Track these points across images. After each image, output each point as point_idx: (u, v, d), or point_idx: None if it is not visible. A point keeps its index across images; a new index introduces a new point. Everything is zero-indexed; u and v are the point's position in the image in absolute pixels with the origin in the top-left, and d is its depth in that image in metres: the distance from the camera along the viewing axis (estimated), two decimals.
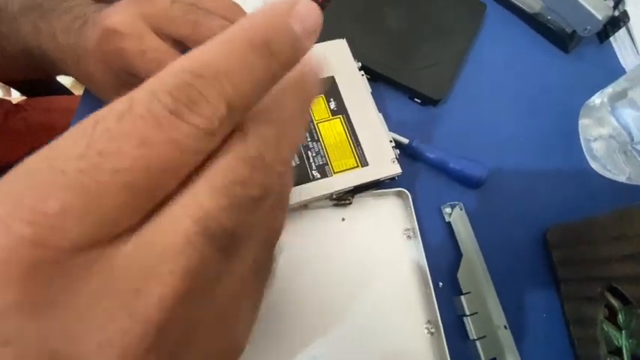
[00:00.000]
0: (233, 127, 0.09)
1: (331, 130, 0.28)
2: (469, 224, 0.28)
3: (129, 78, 0.23)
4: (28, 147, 0.42)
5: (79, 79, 0.26)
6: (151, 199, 0.08)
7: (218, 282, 0.09)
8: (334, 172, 0.27)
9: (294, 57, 0.09)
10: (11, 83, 0.56)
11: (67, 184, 0.07)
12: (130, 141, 0.08)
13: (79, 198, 0.07)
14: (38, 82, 0.51)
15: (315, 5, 0.09)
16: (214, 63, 0.08)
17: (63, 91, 0.56)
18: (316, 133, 0.28)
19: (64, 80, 0.57)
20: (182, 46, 0.23)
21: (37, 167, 0.07)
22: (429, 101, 0.33)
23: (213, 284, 0.09)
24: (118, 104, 0.08)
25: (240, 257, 0.10)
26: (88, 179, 0.07)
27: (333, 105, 0.29)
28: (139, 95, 0.08)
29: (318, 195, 0.26)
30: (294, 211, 0.27)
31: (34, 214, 0.07)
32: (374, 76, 0.32)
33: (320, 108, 0.29)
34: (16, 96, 0.83)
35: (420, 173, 0.30)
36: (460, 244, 0.28)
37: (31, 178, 0.07)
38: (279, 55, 0.09)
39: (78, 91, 0.60)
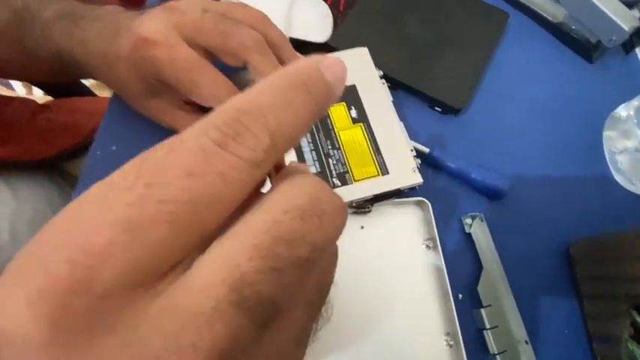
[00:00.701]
0: (276, 162, 0.09)
1: (352, 138, 0.28)
2: (490, 236, 0.28)
3: (158, 84, 0.24)
4: (52, 146, 0.43)
5: (108, 84, 0.27)
6: (193, 239, 0.08)
7: (253, 350, 0.08)
8: (354, 180, 0.27)
9: (329, 100, 0.10)
10: (37, 84, 0.57)
11: (112, 219, 0.07)
12: (176, 172, 0.08)
13: (122, 233, 0.07)
14: (63, 83, 0.52)
15: (340, 59, 0.10)
16: (258, 100, 0.09)
17: (86, 92, 0.57)
18: (337, 140, 0.28)
19: (87, 81, 0.59)
20: (212, 56, 0.24)
21: (87, 203, 0.07)
22: (449, 110, 0.33)
23: (248, 353, 0.08)
24: (170, 140, 0.08)
25: (280, 328, 0.09)
26: (133, 212, 0.07)
27: (354, 113, 0.29)
28: (189, 131, 0.08)
29: None
30: None
31: (76, 254, 0.07)
32: (395, 85, 0.32)
33: (341, 116, 0.29)
34: (38, 95, 0.86)
35: (440, 183, 0.30)
36: (480, 256, 0.27)
37: (79, 215, 0.07)
38: (316, 94, 0.10)
39: (101, 93, 0.61)
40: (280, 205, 0.08)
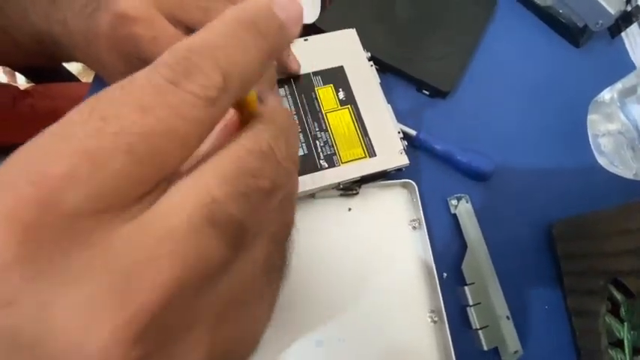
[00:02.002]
0: (232, 102, 0.09)
1: (340, 120, 0.28)
2: (474, 216, 0.28)
3: (139, 64, 0.23)
4: (34, 131, 0.42)
5: (89, 64, 0.26)
6: (156, 171, 0.08)
7: (224, 275, 0.09)
8: (342, 162, 0.27)
9: (282, 40, 0.10)
10: (18, 69, 0.56)
11: (71, 148, 0.07)
12: (129, 107, 0.08)
13: (83, 161, 0.07)
14: (45, 68, 0.51)
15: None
16: (208, 40, 0.09)
17: (70, 77, 0.56)
18: (324, 122, 0.28)
19: (71, 67, 0.57)
20: (194, 32, 0.23)
21: (45, 137, 0.08)
22: (437, 93, 0.33)
23: (218, 277, 0.08)
24: (123, 80, 0.08)
25: (249, 252, 0.09)
26: (91, 143, 0.07)
27: (341, 95, 0.29)
28: (141, 71, 0.08)
29: (325, 184, 0.26)
30: (301, 200, 0.27)
31: (39, 176, 0.07)
32: (383, 67, 0.32)
33: (329, 97, 0.29)
34: (21, 82, 0.84)
35: (426, 165, 0.30)
36: (465, 236, 0.28)
37: (39, 147, 0.07)
38: (267, 35, 0.10)
39: (85, 78, 0.60)
40: (245, 145, 0.09)
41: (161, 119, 0.08)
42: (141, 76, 0.08)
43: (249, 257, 0.09)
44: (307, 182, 0.26)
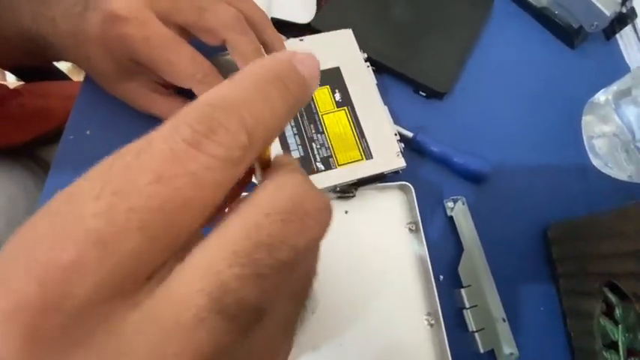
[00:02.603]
0: (253, 161, 0.09)
1: (336, 122, 0.28)
2: (471, 219, 0.28)
3: (131, 65, 0.23)
4: (25, 132, 0.41)
5: (79, 64, 0.25)
6: (169, 246, 0.07)
7: (237, 355, 0.08)
8: (338, 165, 0.27)
9: (306, 94, 0.10)
10: (8, 68, 0.54)
11: (80, 231, 0.07)
12: (145, 177, 0.07)
13: (92, 246, 0.07)
14: (35, 67, 0.49)
15: (312, 54, 0.10)
16: (233, 95, 0.08)
17: (60, 76, 0.55)
18: (321, 124, 0.28)
19: (62, 65, 0.56)
20: (188, 33, 0.23)
21: (54, 214, 0.07)
22: (434, 94, 0.32)
23: (232, 354, 0.08)
24: (139, 141, 0.08)
25: (264, 327, 0.08)
26: (102, 224, 0.07)
27: (338, 96, 0.29)
28: (160, 130, 0.08)
29: (321, 187, 0.26)
30: None
31: (43, 271, 0.06)
32: (379, 68, 0.32)
33: (325, 99, 0.29)
34: (11, 80, 0.82)
35: (423, 167, 0.30)
36: (461, 238, 0.28)
37: (45, 227, 0.07)
38: (293, 89, 0.09)
39: (75, 77, 0.59)
40: (261, 208, 0.08)
41: (179, 189, 0.07)
42: (159, 138, 0.08)
43: (263, 331, 0.08)
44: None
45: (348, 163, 0.27)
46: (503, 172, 0.31)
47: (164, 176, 0.07)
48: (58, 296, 0.06)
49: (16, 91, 0.43)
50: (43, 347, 0.06)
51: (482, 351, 0.25)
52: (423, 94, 0.33)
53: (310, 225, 0.08)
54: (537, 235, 0.30)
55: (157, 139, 0.08)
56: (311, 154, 0.27)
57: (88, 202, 0.07)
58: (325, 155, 0.27)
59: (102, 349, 0.07)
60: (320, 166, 0.26)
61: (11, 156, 0.38)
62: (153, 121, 0.27)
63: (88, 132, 0.27)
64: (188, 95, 0.24)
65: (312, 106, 0.28)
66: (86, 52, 0.23)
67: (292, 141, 0.27)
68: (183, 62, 0.21)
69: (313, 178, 0.26)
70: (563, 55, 0.38)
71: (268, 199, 0.08)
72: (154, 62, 0.21)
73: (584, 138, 0.35)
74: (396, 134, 0.28)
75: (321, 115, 0.28)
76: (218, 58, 0.28)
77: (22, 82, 0.52)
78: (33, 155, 0.42)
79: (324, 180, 0.26)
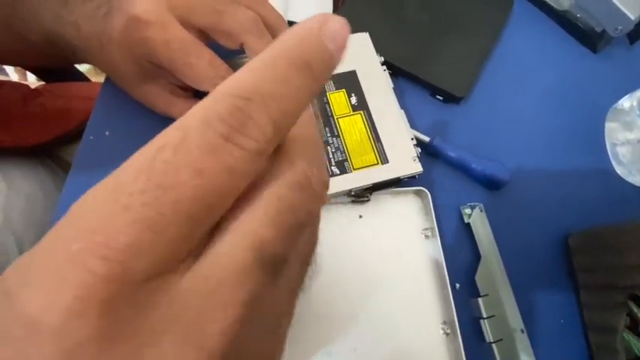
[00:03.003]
0: (275, 146, 0.10)
1: (352, 126, 0.28)
2: (489, 226, 0.28)
3: (151, 67, 0.23)
4: (45, 132, 0.42)
5: (100, 67, 0.26)
6: (207, 226, 0.09)
7: (267, 303, 0.09)
8: (353, 169, 0.26)
9: (330, 73, 0.10)
10: (30, 69, 0.56)
11: (133, 219, 0.07)
12: (187, 172, 0.08)
13: (145, 231, 0.08)
14: (55, 68, 0.51)
15: (344, 21, 0.10)
16: (261, 85, 0.09)
17: (79, 77, 0.56)
18: (336, 128, 0.28)
19: (81, 67, 0.58)
20: (207, 36, 0.23)
21: (103, 203, 0.08)
22: (451, 98, 0.32)
23: (264, 306, 0.09)
24: (173, 133, 0.08)
25: (285, 278, 0.10)
26: (152, 212, 0.08)
27: (354, 100, 0.29)
28: (191, 123, 0.08)
29: (336, 191, 0.26)
30: None
31: (106, 251, 0.07)
32: (395, 72, 0.32)
33: (341, 103, 0.29)
34: (32, 80, 0.84)
35: (440, 172, 0.30)
36: (479, 246, 0.27)
37: (99, 214, 0.08)
38: (319, 73, 0.09)
39: (95, 78, 0.60)
40: (285, 181, 0.10)
41: (215, 179, 0.08)
42: (195, 133, 0.08)
43: (285, 281, 0.10)
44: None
45: (364, 167, 0.26)
46: (522, 179, 0.30)
47: (205, 171, 0.08)
48: (123, 272, 0.07)
49: (36, 91, 0.44)
50: (116, 315, 0.07)
51: None
52: (440, 98, 0.32)
53: (318, 195, 0.10)
54: (558, 243, 0.29)
55: (192, 133, 0.08)
56: (326, 158, 0.27)
57: (136, 195, 0.08)
58: (340, 159, 0.27)
59: (164, 309, 0.08)
60: (335, 169, 0.26)
61: (31, 155, 0.39)
62: (169, 123, 0.27)
63: (107, 133, 0.28)
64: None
65: (328, 109, 0.28)
66: (108, 55, 0.23)
67: None
68: (201, 65, 0.21)
69: None
70: (585, 60, 0.37)
71: (289, 171, 0.10)
72: (174, 65, 0.21)
73: (607, 145, 0.34)
74: (412, 139, 0.28)
75: (337, 119, 0.28)
76: (235, 60, 0.28)
77: (42, 83, 0.53)
78: (52, 155, 0.43)
79: (339, 184, 0.26)
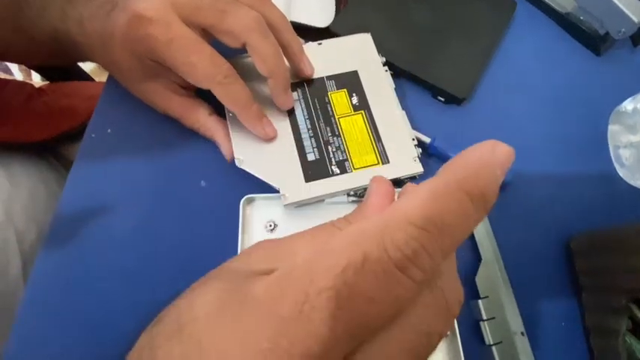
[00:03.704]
0: None
1: (352, 126, 0.28)
2: (490, 227, 0.27)
3: (153, 65, 0.23)
4: (49, 129, 0.43)
5: (103, 65, 0.26)
6: (359, 342, 0.09)
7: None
8: (354, 169, 0.26)
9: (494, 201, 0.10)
10: (34, 67, 0.57)
11: (311, 331, 0.08)
12: (362, 299, 0.09)
13: (315, 345, 0.08)
14: (59, 67, 0.51)
15: (511, 149, 0.10)
16: (437, 216, 0.09)
17: (83, 76, 0.57)
18: (337, 127, 0.28)
19: (85, 66, 0.58)
20: (208, 35, 0.23)
21: (291, 307, 0.09)
22: (452, 100, 0.32)
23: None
24: (354, 255, 0.09)
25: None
26: (326, 330, 0.08)
27: (355, 100, 0.29)
28: (371, 247, 0.09)
29: (336, 191, 0.26)
30: (310, 205, 0.27)
31: (287, 357, 0.08)
32: (397, 72, 0.32)
33: (342, 102, 0.29)
34: (36, 80, 0.85)
35: None
36: (479, 248, 0.27)
37: (287, 317, 0.09)
38: (490, 203, 0.10)
39: (99, 78, 0.61)
40: (423, 305, 0.10)
41: (382, 307, 0.09)
42: (374, 258, 0.09)
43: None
44: (318, 188, 0.25)
45: (364, 167, 0.26)
46: (524, 181, 0.30)
47: (375, 300, 0.09)
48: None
49: (41, 90, 0.45)
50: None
51: None
52: (442, 99, 0.32)
53: (453, 316, 0.11)
54: (559, 246, 0.29)
55: (371, 257, 0.09)
56: (327, 157, 0.27)
57: (317, 311, 0.09)
58: (341, 159, 0.27)
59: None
60: (335, 169, 0.26)
61: (33, 152, 0.39)
62: (170, 121, 0.27)
63: (109, 130, 0.28)
64: (207, 97, 0.25)
65: (329, 108, 0.28)
66: (110, 52, 0.23)
67: (308, 143, 0.27)
68: (203, 64, 0.21)
69: (328, 181, 0.26)
70: (588, 62, 0.36)
71: (428, 299, 0.11)
72: (176, 63, 0.22)
73: (610, 147, 0.33)
74: (413, 139, 0.28)
75: (338, 119, 0.28)
76: (237, 59, 0.28)
77: (46, 82, 0.54)
78: (55, 152, 0.43)
79: (339, 183, 0.26)
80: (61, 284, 0.24)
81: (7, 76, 0.87)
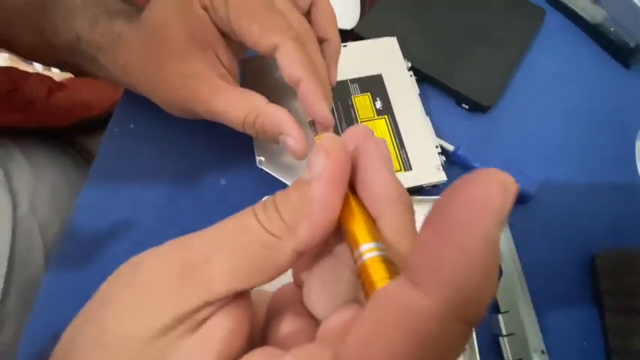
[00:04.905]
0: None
1: (375, 131, 0.27)
2: (512, 241, 0.27)
3: (207, 42, 0.21)
4: (68, 116, 0.43)
5: (130, 64, 0.26)
6: None
7: None
8: None
9: None
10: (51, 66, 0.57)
11: None
12: None
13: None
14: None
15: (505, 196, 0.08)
16: None
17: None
18: None
19: None
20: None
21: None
22: (477, 107, 0.31)
23: None
24: None
25: None
26: None
27: (379, 104, 0.28)
28: None
29: None
30: None
31: None
32: (421, 78, 0.31)
33: (365, 106, 0.28)
34: (56, 71, 0.86)
35: None
36: (501, 261, 0.26)
37: None
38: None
39: None
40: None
41: None
42: None
43: None
44: None
45: None
46: (549, 193, 0.29)
47: None
48: None
49: (62, 85, 0.45)
50: None
51: None
52: (466, 106, 0.32)
53: None
54: (584, 262, 0.28)
55: None
56: None
57: None
58: None
59: None
60: None
61: (55, 143, 0.40)
62: (192, 119, 0.27)
63: (131, 125, 0.28)
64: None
65: (352, 112, 0.28)
66: (155, 46, 0.22)
67: None
68: (269, 15, 0.19)
69: None
70: (616, 74, 0.35)
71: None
72: (236, 20, 0.19)
73: (638, 162, 0.32)
74: (437, 146, 0.27)
75: (361, 123, 0.28)
76: (250, 61, 0.28)
77: (66, 76, 0.54)
78: (74, 142, 0.43)
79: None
80: (80, 277, 0.24)
81: (28, 67, 0.88)
